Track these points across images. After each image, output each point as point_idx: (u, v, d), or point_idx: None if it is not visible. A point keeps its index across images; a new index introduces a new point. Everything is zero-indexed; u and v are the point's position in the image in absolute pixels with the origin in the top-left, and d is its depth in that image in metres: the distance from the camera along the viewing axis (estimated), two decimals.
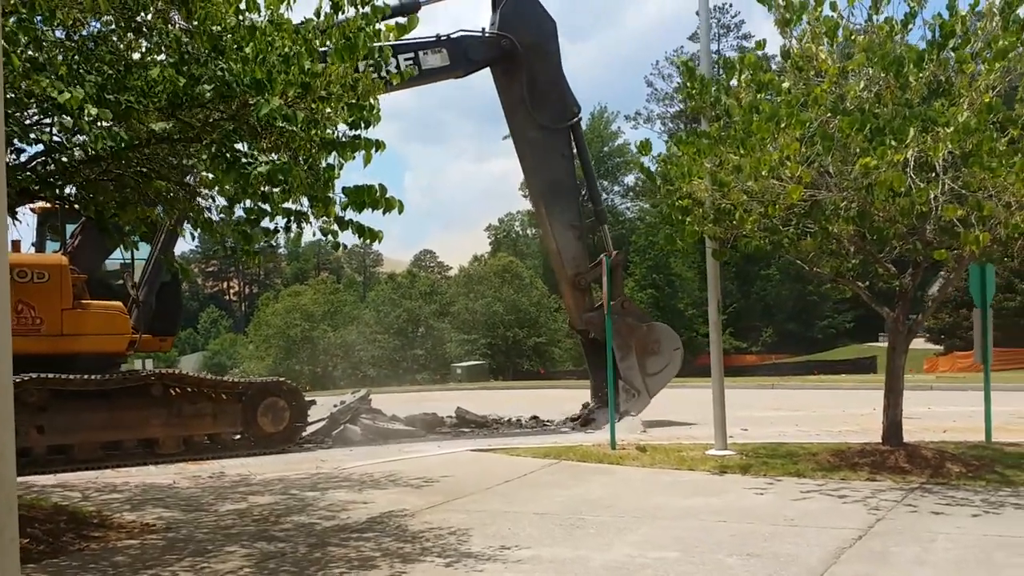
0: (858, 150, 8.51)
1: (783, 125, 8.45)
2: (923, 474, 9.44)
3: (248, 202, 8.06)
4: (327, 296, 69.06)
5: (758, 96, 9.61)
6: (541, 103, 16.72)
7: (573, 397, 21.19)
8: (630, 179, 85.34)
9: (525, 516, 8.05)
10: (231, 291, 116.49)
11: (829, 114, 8.81)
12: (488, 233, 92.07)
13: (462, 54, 16.07)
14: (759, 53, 10.00)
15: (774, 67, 10.88)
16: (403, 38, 7.56)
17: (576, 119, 17.33)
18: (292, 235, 8.26)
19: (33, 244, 13.95)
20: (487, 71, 16.82)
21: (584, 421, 16.62)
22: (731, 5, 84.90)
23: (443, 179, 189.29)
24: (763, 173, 8.58)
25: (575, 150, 17.45)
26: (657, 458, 11.08)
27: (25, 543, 7.38)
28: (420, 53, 15.30)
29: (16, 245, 13.12)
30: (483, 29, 16.54)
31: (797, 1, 9.46)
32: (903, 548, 6.52)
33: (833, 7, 9.45)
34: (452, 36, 15.99)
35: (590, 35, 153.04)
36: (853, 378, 33.49)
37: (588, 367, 18.12)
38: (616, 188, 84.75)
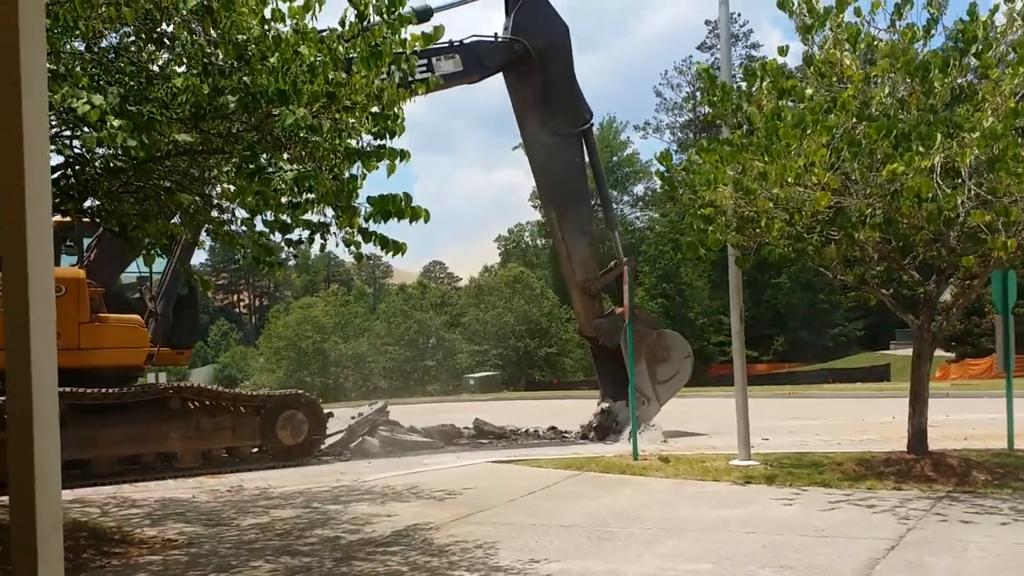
0: (883, 156, 8.45)
1: (808, 131, 8.38)
2: (949, 482, 9.33)
3: (270, 214, 8.04)
4: (338, 308, 69.05)
5: (780, 103, 9.56)
6: (553, 108, 16.67)
7: (589, 407, 21.05)
8: (639, 189, 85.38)
9: (551, 528, 7.96)
10: (241, 304, 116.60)
11: (854, 120, 8.74)
12: (498, 243, 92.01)
13: (476, 59, 16.04)
14: (780, 60, 9.96)
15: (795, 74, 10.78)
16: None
17: (588, 125, 17.28)
18: (314, 246, 8.24)
19: None
20: (498, 76, 16.80)
21: (599, 426, 16.45)
22: (739, 15, 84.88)
23: (452, 189, 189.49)
24: (789, 180, 8.51)
25: (587, 156, 17.40)
26: (681, 469, 10.98)
27: None
28: (434, 59, 15.26)
29: None
30: (495, 34, 16.50)
31: (820, 7, 9.40)
32: (937, 558, 6.43)
33: (858, 12, 9.38)
34: (465, 41, 15.94)
35: (598, 45, 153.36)
36: (870, 386, 33.28)
37: (597, 375, 18.00)
38: (625, 198, 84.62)
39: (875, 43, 9.67)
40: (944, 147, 8.03)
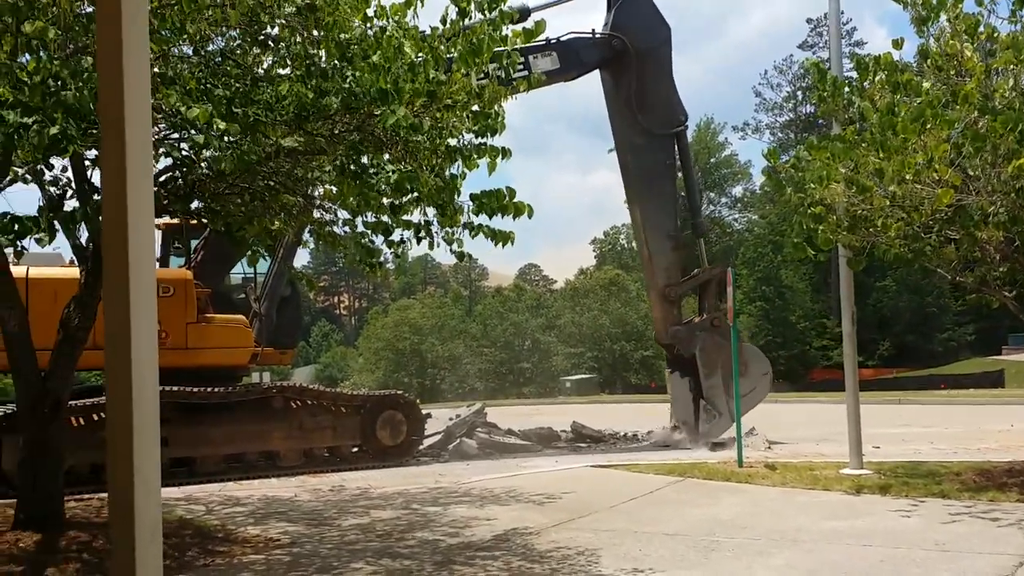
0: (1008, 151, 7.98)
1: (928, 126, 7.95)
2: None
3: (371, 215, 8.03)
4: (435, 310, 69.63)
5: (894, 97, 9.13)
6: (648, 108, 16.31)
7: None
8: (738, 190, 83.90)
9: (655, 536, 7.72)
10: (341, 305, 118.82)
11: (975, 113, 8.28)
12: (593, 246, 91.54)
13: (574, 56, 15.83)
14: (896, 54, 9.52)
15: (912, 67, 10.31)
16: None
17: (683, 127, 16.88)
18: (417, 246, 8.19)
19: (157, 259, 14.26)
20: (595, 76, 16.56)
21: (666, 442, 16.04)
22: (842, 12, 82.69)
23: (547, 192, 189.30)
24: (907, 176, 8.09)
25: (679, 160, 17.02)
26: (788, 477, 10.58)
27: None
28: (531, 58, 15.07)
29: None
30: (593, 30, 16.26)
31: None
32: None
33: (979, 2, 8.90)
34: (562, 39, 15.75)
35: (694, 46, 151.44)
36: (984, 393, 31.87)
37: (668, 385, 17.28)
38: (723, 199, 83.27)
39: (996, 34, 9.17)
40: None
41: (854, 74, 9.92)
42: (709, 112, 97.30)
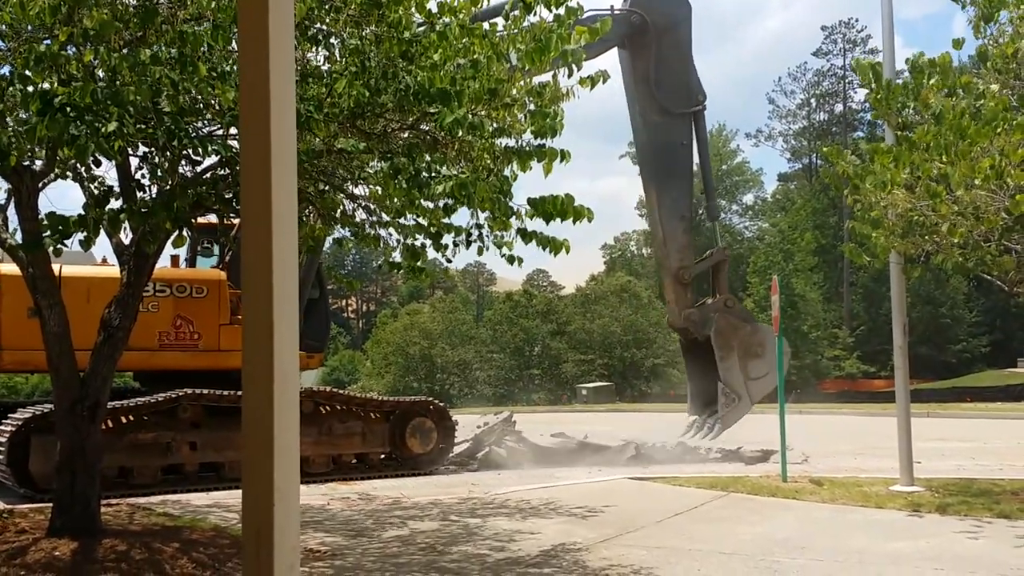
0: None
1: (999, 130, 7.67)
2: None
3: (418, 217, 7.79)
4: (445, 314, 69.29)
5: (952, 100, 8.86)
6: (666, 87, 15.89)
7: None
8: (749, 198, 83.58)
9: (712, 555, 7.43)
10: (349, 308, 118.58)
11: None
12: (603, 252, 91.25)
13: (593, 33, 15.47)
14: (954, 54, 9.26)
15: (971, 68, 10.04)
16: None
17: (701, 107, 16.45)
18: (465, 250, 7.95)
19: (186, 259, 14.01)
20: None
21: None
22: (856, 20, 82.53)
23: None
24: (976, 182, 7.81)
25: (695, 141, 16.59)
26: (837, 493, 10.27)
27: (191, 568, 7.18)
28: None
29: (175, 260, 13.21)
30: (612, 7, 15.91)
31: None
32: None
33: None
34: (580, 16, 15.40)
35: (706, 51, 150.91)
36: (1012, 407, 31.37)
37: (687, 372, 17.07)
38: (734, 207, 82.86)
39: None
40: None
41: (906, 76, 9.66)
42: (721, 119, 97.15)
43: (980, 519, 8.74)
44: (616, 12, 15.52)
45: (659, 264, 17.49)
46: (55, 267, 7.84)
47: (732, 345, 15.13)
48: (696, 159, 16.70)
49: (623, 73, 16.36)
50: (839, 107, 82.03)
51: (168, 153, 6.46)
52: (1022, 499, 9.37)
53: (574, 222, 6.88)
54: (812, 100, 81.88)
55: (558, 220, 6.88)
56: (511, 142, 7.09)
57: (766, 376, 15.23)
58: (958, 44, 9.33)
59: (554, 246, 7.29)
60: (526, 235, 7.22)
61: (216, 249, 14.20)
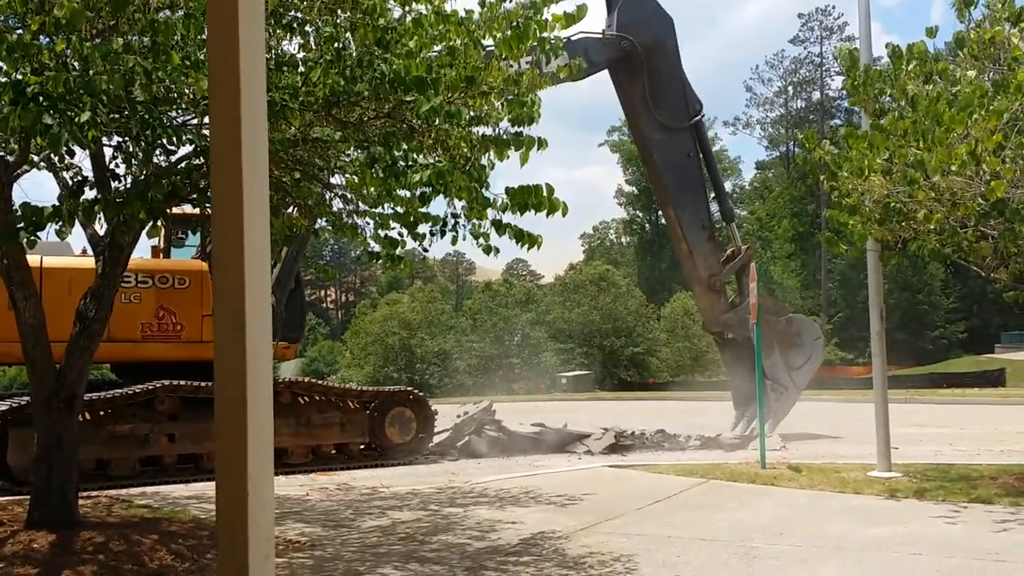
0: None
1: (975, 116, 7.71)
2: None
3: (393, 206, 7.74)
4: (424, 304, 69.21)
5: (927, 87, 8.91)
6: (663, 103, 16.28)
7: (694, 410, 20.47)
8: (728, 185, 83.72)
9: (691, 542, 7.46)
10: (328, 299, 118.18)
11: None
12: (582, 241, 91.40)
13: (582, 55, 15.62)
14: (929, 42, 9.31)
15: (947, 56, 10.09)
16: None
17: (699, 116, 16.81)
18: (440, 240, 7.90)
19: (160, 250, 13.88)
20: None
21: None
22: (833, 7, 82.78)
23: None
24: (953, 168, 7.84)
25: (699, 149, 16.92)
26: (815, 479, 10.33)
27: (170, 560, 7.14)
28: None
29: (157, 251, 13.11)
30: (603, 31, 16.11)
31: None
32: None
33: None
34: (571, 38, 15.54)
35: (685, 40, 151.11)
36: (989, 392, 31.71)
37: (727, 370, 17.56)
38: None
39: None
40: None
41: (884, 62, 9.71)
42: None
43: (957, 504, 8.81)
44: (607, 37, 15.70)
45: (687, 276, 17.74)
46: (37, 259, 7.76)
47: (771, 341, 15.39)
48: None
49: (619, 96, 16.64)
50: (816, 95, 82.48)
51: (142, 142, 6.39)
52: (999, 484, 9.46)
53: (548, 215, 6.84)
54: (789, 88, 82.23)
55: (533, 212, 6.85)
56: (488, 130, 7.06)
57: (807, 363, 15.81)
58: (931, 32, 9.39)
59: (528, 240, 7.22)
60: (500, 227, 7.16)
61: (190, 239, 14.11)
